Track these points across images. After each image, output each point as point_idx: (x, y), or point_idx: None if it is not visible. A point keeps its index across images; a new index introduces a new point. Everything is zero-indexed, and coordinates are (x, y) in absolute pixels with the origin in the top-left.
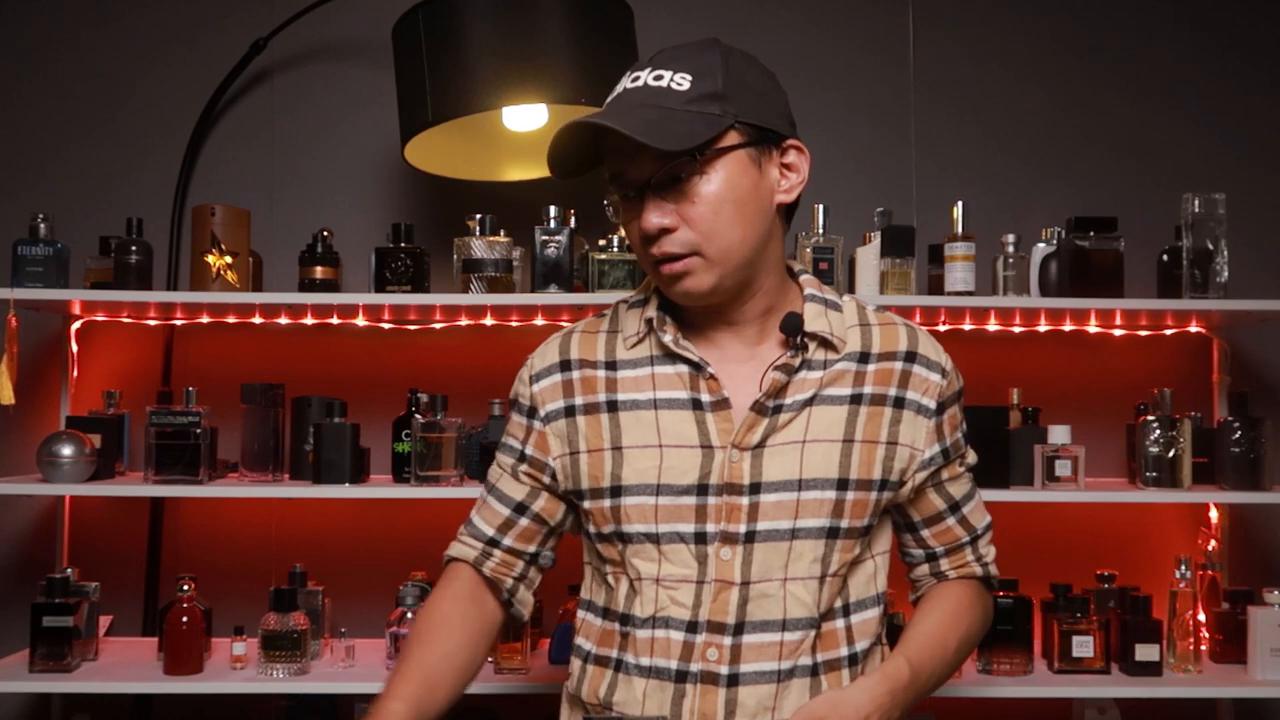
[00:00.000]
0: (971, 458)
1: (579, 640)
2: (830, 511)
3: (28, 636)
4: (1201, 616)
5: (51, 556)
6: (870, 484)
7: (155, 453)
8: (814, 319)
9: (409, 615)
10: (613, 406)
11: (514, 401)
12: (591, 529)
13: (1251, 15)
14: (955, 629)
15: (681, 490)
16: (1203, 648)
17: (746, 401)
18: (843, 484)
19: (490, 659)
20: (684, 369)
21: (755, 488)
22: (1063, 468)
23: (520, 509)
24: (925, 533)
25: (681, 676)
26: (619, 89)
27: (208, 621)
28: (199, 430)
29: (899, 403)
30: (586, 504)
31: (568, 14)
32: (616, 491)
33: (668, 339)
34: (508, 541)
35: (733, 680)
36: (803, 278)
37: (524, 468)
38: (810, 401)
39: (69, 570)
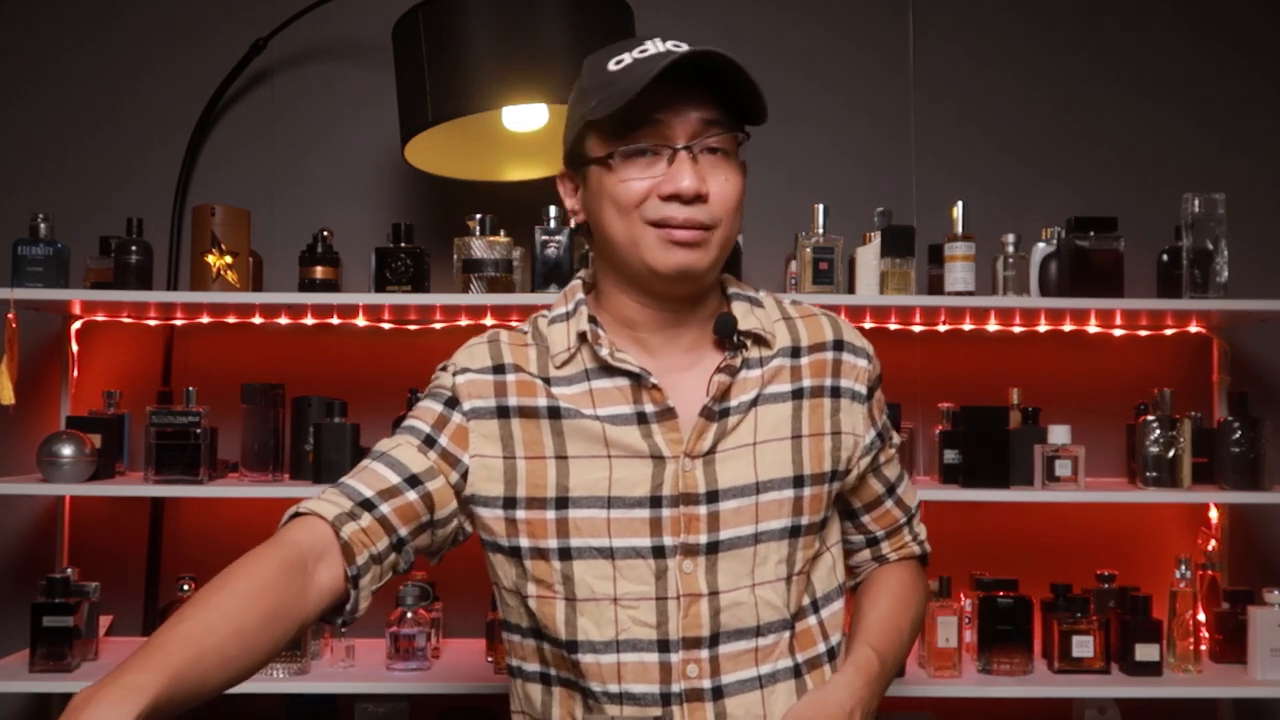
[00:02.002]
0: (897, 439)
1: (515, 661)
2: (790, 511)
3: (28, 636)
4: (1201, 616)
5: (51, 556)
6: (823, 476)
7: (155, 453)
8: (744, 317)
9: (409, 615)
10: (555, 413)
11: (427, 394)
12: (525, 542)
13: (1252, 15)
14: (906, 612)
15: (634, 503)
16: (1203, 648)
17: (691, 409)
18: (799, 481)
19: (489, 659)
20: (624, 382)
21: (713, 496)
22: (1063, 468)
23: (413, 481)
24: (866, 518)
25: (666, 699)
26: (677, 46)
27: None
28: (199, 430)
29: (835, 392)
30: (521, 514)
31: (568, 14)
32: (563, 503)
33: (604, 352)
34: (384, 509)
35: (717, 693)
36: (722, 277)
37: (433, 452)
38: (755, 402)
39: (69, 570)
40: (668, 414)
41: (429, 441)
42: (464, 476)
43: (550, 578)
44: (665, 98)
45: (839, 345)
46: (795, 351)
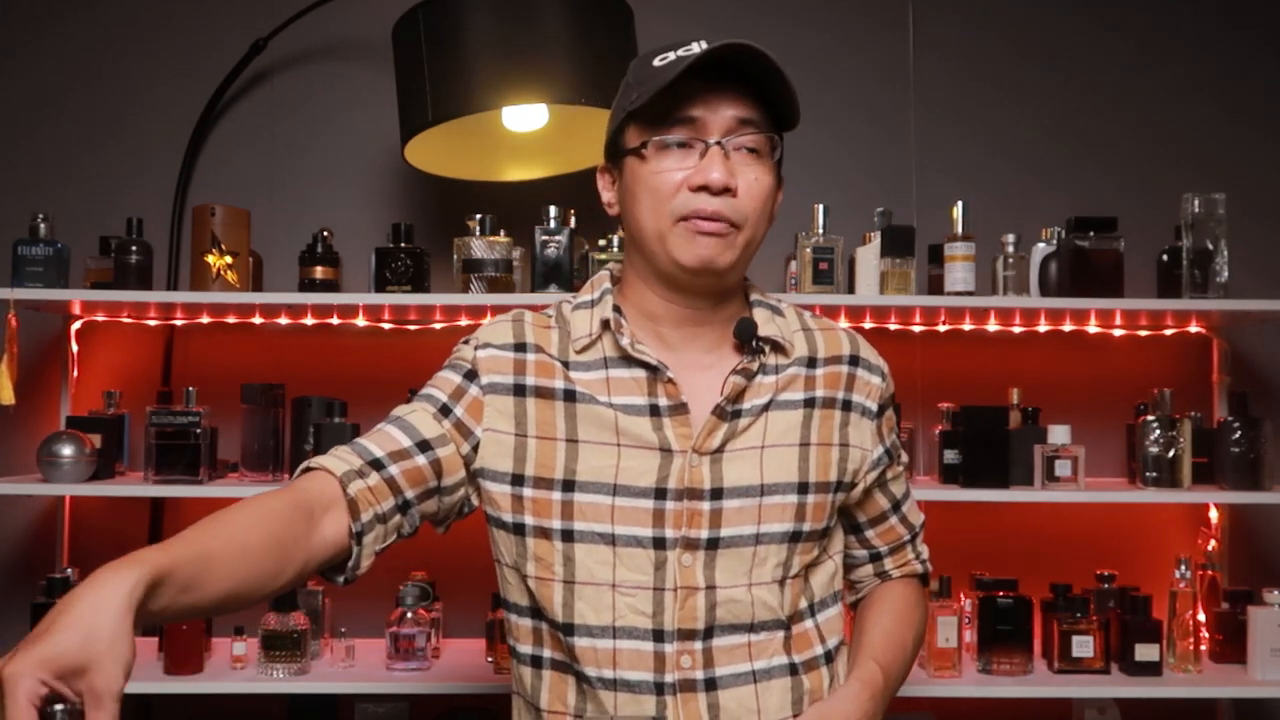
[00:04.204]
0: (905, 458)
1: (511, 641)
2: (793, 516)
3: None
4: (1201, 616)
5: (51, 556)
6: (828, 486)
7: (155, 453)
8: (764, 324)
9: (409, 615)
10: (570, 396)
11: (447, 365)
12: (529, 520)
13: (1251, 16)
14: (909, 628)
15: (639, 493)
16: (1202, 648)
17: (704, 407)
18: (803, 488)
19: (490, 659)
20: (640, 373)
21: (717, 493)
22: (1063, 468)
23: (424, 446)
24: (870, 533)
25: (659, 688)
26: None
27: (208, 621)
28: (199, 430)
29: (846, 405)
30: (527, 491)
31: (568, 14)
32: (569, 486)
33: (625, 341)
34: (392, 470)
35: (710, 685)
36: (746, 284)
37: (447, 421)
38: (767, 407)
39: (69, 570)
40: (680, 409)
41: (444, 410)
42: (475, 449)
43: (550, 557)
44: (703, 95)
45: (855, 360)
46: (811, 362)
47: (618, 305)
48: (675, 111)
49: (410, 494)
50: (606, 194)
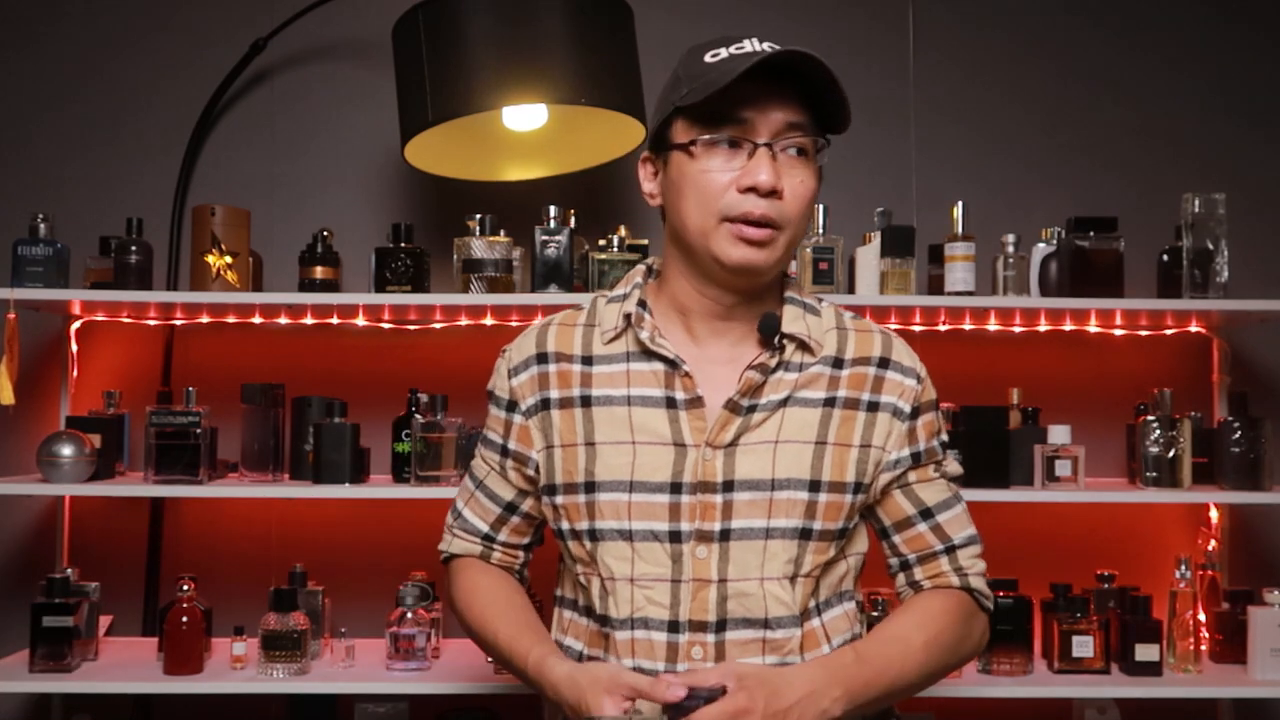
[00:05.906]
0: (953, 468)
1: (567, 640)
2: (803, 513)
3: (28, 636)
4: (1201, 616)
5: (51, 556)
6: (844, 486)
7: (155, 453)
8: (792, 321)
9: (409, 615)
10: (586, 401)
11: (491, 394)
12: (565, 525)
13: (1251, 16)
14: (921, 629)
15: (654, 487)
16: (1203, 648)
17: (720, 401)
18: (815, 485)
19: (490, 659)
20: (659, 367)
21: (729, 485)
22: (1063, 468)
23: (510, 508)
24: (896, 538)
25: None
26: (772, 47)
27: (208, 621)
28: (199, 430)
29: (872, 407)
30: (559, 499)
31: (568, 14)
32: (590, 487)
33: (644, 335)
34: (504, 537)
35: None
36: (785, 279)
37: (510, 464)
38: (784, 403)
39: (69, 570)
40: (696, 403)
41: (504, 453)
42: (536, 470)
43: (585, 557)
44: (753, 96)
45: (884, 363)
46: (838, 363)
47: (643, 300)
48: (726, 111)
49: (527, 540)
50: (648, 184)
